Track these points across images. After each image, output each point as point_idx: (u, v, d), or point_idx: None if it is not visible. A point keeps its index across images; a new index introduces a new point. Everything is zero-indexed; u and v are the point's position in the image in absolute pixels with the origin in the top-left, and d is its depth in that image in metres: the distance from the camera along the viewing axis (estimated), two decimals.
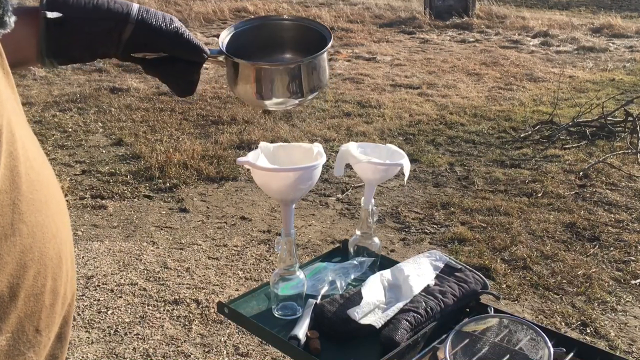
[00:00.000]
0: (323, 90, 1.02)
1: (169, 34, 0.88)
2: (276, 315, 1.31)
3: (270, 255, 3.26)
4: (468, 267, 1.43)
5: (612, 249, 3.40)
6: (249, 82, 0.96)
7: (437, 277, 1.38)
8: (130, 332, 2.60)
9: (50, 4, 0.81)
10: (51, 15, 0.79)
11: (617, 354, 1.32)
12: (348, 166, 1.46)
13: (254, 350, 2.51)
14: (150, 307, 2.78)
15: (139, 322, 2.67)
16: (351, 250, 1.51)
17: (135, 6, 0.87)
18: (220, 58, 0.96)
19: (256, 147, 1.26)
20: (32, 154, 0.69)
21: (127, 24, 0.86)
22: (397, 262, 1.45)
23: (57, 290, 0.72)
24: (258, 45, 1.03)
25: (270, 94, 0.96)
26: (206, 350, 2.50)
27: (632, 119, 5.20)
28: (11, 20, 0.66)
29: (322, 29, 1.02)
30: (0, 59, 0.65)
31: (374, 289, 1.29)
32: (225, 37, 1.00)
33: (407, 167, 1.38)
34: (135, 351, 2.49)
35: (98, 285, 2.95)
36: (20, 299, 0.65)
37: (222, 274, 3.09)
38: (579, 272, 3.14)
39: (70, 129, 5.26)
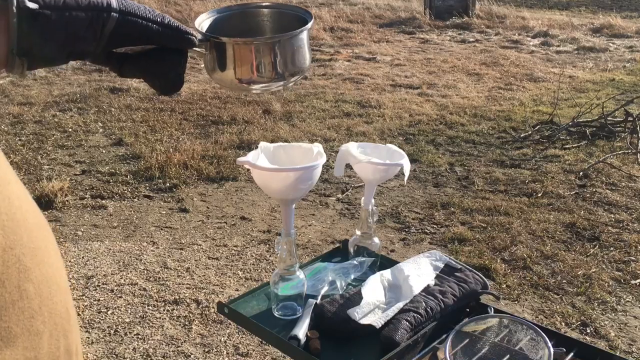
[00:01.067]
0: (305, 73, 0.98)
1: (155, 20, 0.80)
2: (276, 315, 1.31)
3: (270, 255, 3.26)
4: (468, 267, 1.43)
5: (612, 249, 3.40)
6: (232, 62, 0.91)
7: (437, 277, 1.38)
8: (130, 332, 2.60)
9: None
10: (31, 5, 0.68)
11: (617, 354, 1.32)
12: (348, 166, 1.46)
13: (254, 350, 2.51)
14: (150, 307, 2.78)
15: (139, 322, 2.67)
16: (351, 250, 1.51)
17: None
18: (200, 49, 0.90)
19: (256, 147, 1.26)
20: (22, 193, 0.60)
21: (110, 14, 0.76)
22: (397, 262, 1.45)
23: (70, 349, 0.64)
24: (238, 33, 0.97)
25: (252, 73, 0.92)
26: (206, 350, 2.50)
27: (632, 119, 5.20)
28: None
29: (303, 12, 0.98)
30: None
31: (374, 289, 1.29)
32: (201, 22, 0.95)
33: (407, 167, 1.38)
34: (135, 351, 2.49)
35: (98, 285, 2.95)
36: None
37: (222, 274, 3.09)
38: (579, 272, 3.14)
39: (70, 129, 5.26)
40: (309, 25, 0.94)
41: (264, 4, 1.00)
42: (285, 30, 0.95)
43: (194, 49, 0.87)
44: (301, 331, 1.19)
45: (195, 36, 0.84)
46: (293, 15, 0.99)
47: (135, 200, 3.95)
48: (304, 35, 0.94)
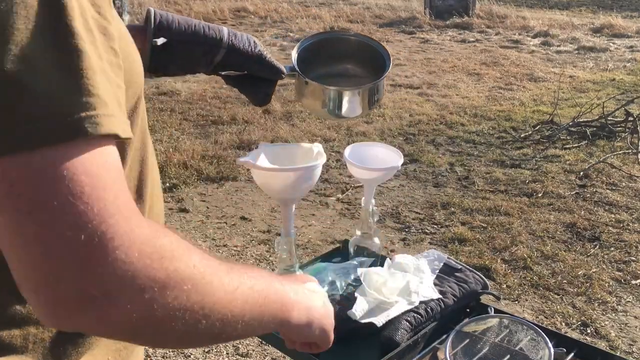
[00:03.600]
0: (380, 104, 1.19)
1: (253, 57, 1.02)
2: None
3: (270, 255, 3.26)
4: (468, 267, 1.43)
5: (612, 249, 3.39)
6: (316, 98, 1.11)
7: (437, 277, 1.38)
8: None
9: (156, 27, 0.96)
10: (159, 42, 0.95)
11: (618, 354, 1.32)
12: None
13: (254, 350, 2.51)
14: None
15: None
16: (351, 250, 1.51)
17: (225, 32, 1.01)
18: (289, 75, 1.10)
19: (256, 147, 1.26)
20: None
21: (220, 49, 1.00)
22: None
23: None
24: (326, 54, 1.18)
25: (334, 110, 1.12)
26: (206, 350, 2.50)
27: (632, 119, 5.20)
28: (127, 18, 0.74)
29: (384, 52, 1.15)
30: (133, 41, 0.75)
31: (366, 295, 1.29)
32: (298, 48, 1.14)
33: None
34: None
35: None
36: None
37: None
38: (579, 272, 3.13)
39: None
40: (387, 71, 1.13)
41: (352, 33, 1.20)
42: (366, 59, 1.16)
43: (289, 74, 1.10)
44: None
45: (283, 71, 1.06)
46: (375, 50, 1.17)
47: None
48: (379, 84, 1.13)
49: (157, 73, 0.99)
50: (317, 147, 1.24)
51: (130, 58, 0.68)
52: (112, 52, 0.56)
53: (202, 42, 0.99)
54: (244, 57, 1.02)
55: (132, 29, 0.95)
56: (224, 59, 1.02)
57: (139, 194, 0.76)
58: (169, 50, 0.97)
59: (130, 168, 0.73)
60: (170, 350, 2.49)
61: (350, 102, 1.12)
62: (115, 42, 0.57)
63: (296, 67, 1.10)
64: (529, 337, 1.14)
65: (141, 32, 0.96)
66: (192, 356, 2.46)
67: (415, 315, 1.22)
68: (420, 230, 3.61)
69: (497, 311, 1.27)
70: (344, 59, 1.19)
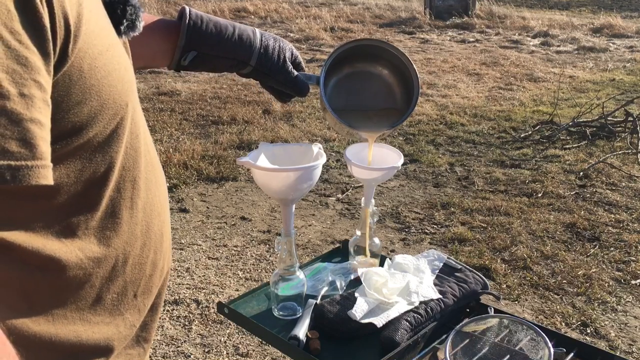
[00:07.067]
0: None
1: (279, 75, 1.06)
2: (276, 315, 1.31)
3: (270, 255, 3.26)
4: (468, 267, 1.43)
5: (612, 249, 3.40)
6: (334, 121, 1.16)
7: (437, 277, 1.38)
8: None
9: (189, 37, 0.98)
10: (187, 59, 0.99)
11: (618, 354, 1.32)
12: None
13: (254, 350, 2.51)
14: None
15: None
16: (351, 250, 1.51)
17: (257, 46, 1.02)
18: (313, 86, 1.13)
19: (256, 147, 1.26)
20: (149, 138, 0.79)
21: (247, 65, 1.03)
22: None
23: (157, 264, 0.80)
24: (359, 58, 1.20)
25: (351, 135, 1.20)
26: (206, 350, 2.50)
27: (632, 119, 5.20)
28: (141, 24, 0.75)
29: (415, 80, 1.17)
30: (125, 48, 0.73)
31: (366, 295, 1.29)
32: (333, 56, 1.14)
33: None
34: None
35: None
36: (129, 265, 0.73)
37: (222, 274, 3.08)
38: (579, 272, 3.13)
39: None
40: (409, 112, 1.17)
41: (394, 47, 1.21)
42: (397, 72, 1.21)
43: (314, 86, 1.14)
44: (301, 331, 1.19)
45: (307, 90, 1.10)
46: (408, 72, 1.19)
47: None
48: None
49: (184, 71, 1.07)
50: (317, 147, 1.24)
51: (110, 77, 0.63)
52: (34, 85, 0.52)
53: (230, 56, 1.02)
54: (269, 76, 1.05)
55: (163, 25, 0.99)
56: (251, 74, 1.06)
57: (128, 216, 0.72)
58: (197, 62, 1.00)
59: (115, 189, 0.69)
60: (171, 350, 2.49)
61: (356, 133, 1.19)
62: (41, 73, 0.52)
63: (322, 87, 1.12)
64: (529, 337, 1.14)
65: (172, 30, 0.98)
66: (192, 356, 2.46)
67: (415, 315, 1.22)
68: (420, 230, 3.61)
69: (497, 311, 1.27)
70: (380, 62, 1.22)
